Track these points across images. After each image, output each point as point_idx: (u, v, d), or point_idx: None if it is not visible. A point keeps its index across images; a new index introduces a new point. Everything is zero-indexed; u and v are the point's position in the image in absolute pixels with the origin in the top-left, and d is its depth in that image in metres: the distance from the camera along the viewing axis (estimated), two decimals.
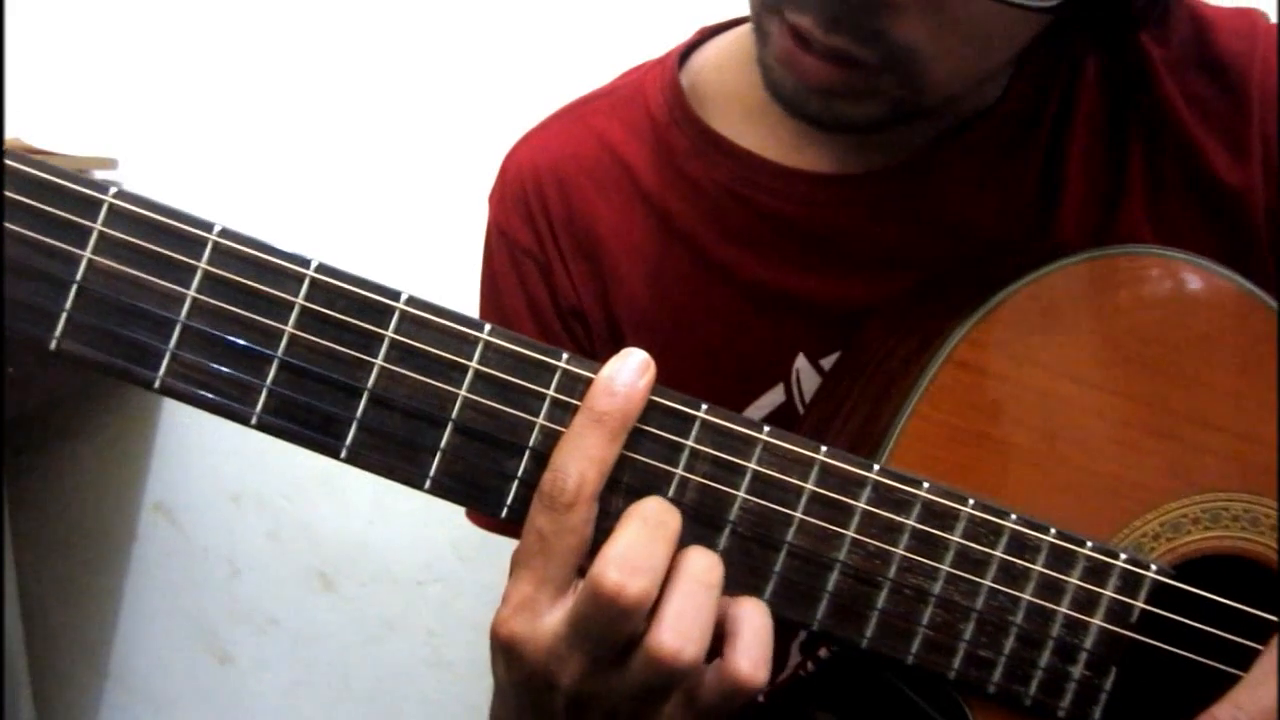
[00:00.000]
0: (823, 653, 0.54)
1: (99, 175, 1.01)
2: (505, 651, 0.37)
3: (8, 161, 0.31)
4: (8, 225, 0.32)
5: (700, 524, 0.38)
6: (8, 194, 0.32)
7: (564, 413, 0.36)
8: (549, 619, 0.36)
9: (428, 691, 1.12)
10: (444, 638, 1.11)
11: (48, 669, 1.18)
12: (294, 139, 1.02)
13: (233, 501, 1.11)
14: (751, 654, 0.36)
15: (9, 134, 0.99)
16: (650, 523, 0.36)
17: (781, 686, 0.56)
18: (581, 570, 0.37)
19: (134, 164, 1.04)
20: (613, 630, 0.35)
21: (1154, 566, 0.41)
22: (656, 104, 0.56)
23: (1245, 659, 0.42)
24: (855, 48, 0.41)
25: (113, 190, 0.33)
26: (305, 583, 1.12)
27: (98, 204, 0.33)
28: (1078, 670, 0.41)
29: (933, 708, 0.43)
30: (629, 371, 0.36)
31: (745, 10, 0.58)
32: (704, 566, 0.36)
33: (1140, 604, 0.41)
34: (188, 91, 1.02)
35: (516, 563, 0.37)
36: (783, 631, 0.38)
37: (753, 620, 0.37)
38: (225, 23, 1.01)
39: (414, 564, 1.09)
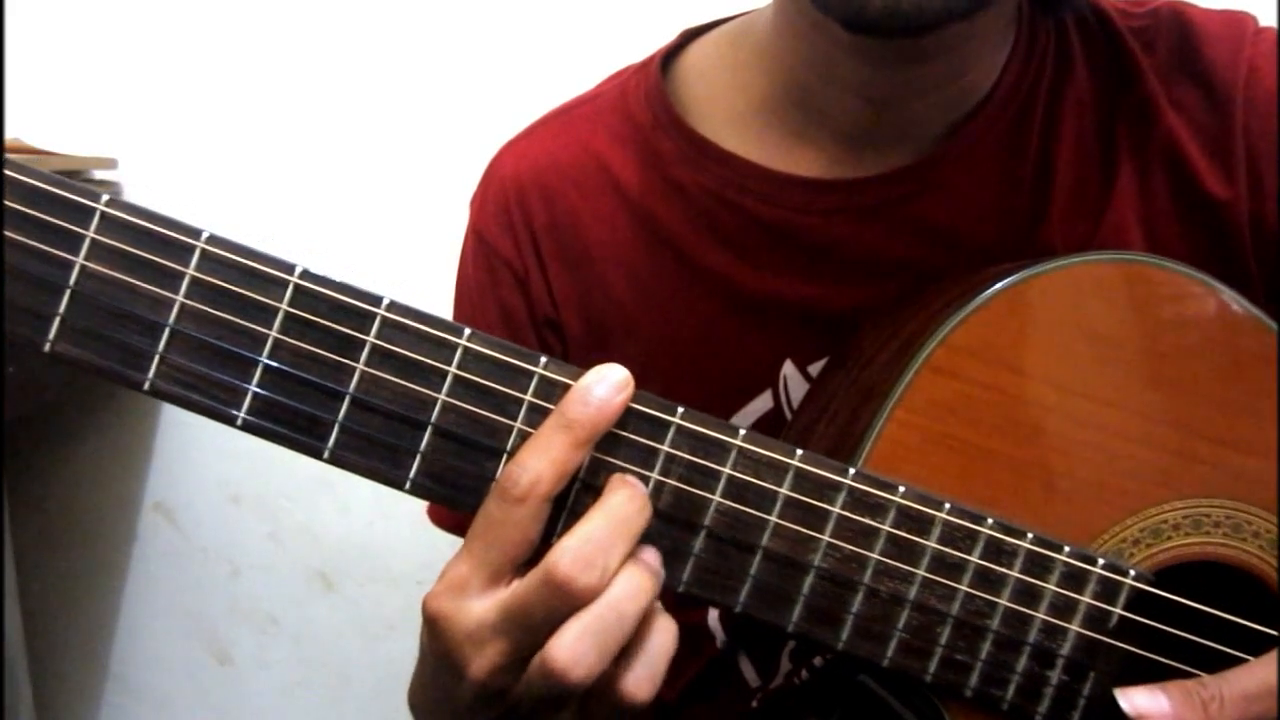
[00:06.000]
0: (817, 661, 0.54)
1: (99, 175, 1.01)
2: (429, 625, 0.38)
3: (5, 171, 0.32)
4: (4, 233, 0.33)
5: (675, 526, 0.38)
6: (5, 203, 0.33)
7: (541, 417, 0.37)
8: (476, 604, 0.36)
9: None
10: None
11: (48, 669, 1.18)
12: (293, 139, 1.02)
13: (233, 502, 1.11)
14: (638, 674, 0.36)
15: (9, 134, 0.98)
16: (615, 519, 0.36)
17: (775, 694, 0.56)
18: (520, 568, 0.37)
19: (134, 164, 1.04)
20: (548, 621, 0.35)
21: (1132, 573, 0.42)
22: (641, 110, 0.55)
23: (1226, 666, 0.42)
24: None
25: (104, 198, 0.34)
26: (305, 583, 1.12)
27: (90, 211, 0.34)
28: (1055, 675, 0.42)
29: (918, 714, 0.43)
30: (606, 386, 0.36)
31: (727, 12, 0.58)
32: (627, 594, 0.35)
33: (1119, 610, 0.41)
34: (187, 92, 1.02)
35: (463, 544, 0.37)
36: (773, 639, 0.38)
37: (656, 642, 0.37)
38: (224, 23, 1.01)
39: (414, 564, 1.09)
